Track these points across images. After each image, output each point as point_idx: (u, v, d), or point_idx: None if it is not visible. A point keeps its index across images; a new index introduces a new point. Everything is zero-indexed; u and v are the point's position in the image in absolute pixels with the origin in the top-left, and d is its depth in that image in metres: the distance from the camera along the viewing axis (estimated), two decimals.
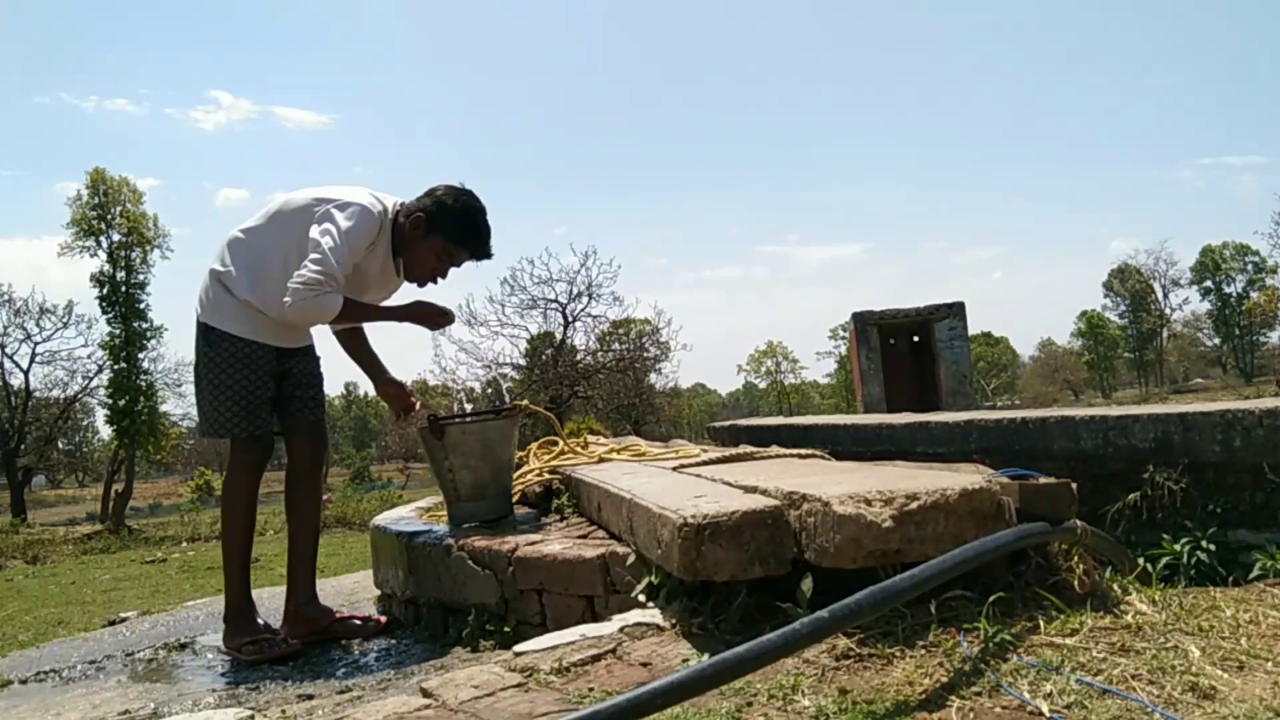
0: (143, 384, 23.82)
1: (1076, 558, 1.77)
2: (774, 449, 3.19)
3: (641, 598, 2.02)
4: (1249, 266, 63.09)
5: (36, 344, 27.07)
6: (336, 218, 2.77)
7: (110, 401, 23.74)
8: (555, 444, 3.77)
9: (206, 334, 2.89)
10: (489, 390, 20.92)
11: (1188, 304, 68.39)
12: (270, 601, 4.58)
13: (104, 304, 23.44)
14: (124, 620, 4.59)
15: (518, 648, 1.85)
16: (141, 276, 23.74)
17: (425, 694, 1.61)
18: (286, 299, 2.70)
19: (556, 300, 20.63)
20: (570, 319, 20.76)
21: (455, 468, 3.07)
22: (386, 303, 3.11)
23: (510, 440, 3.19)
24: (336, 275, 2.71)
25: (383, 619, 3.17)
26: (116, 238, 23.29)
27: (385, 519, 3.81)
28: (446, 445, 3.06)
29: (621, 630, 1.83)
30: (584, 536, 2.66)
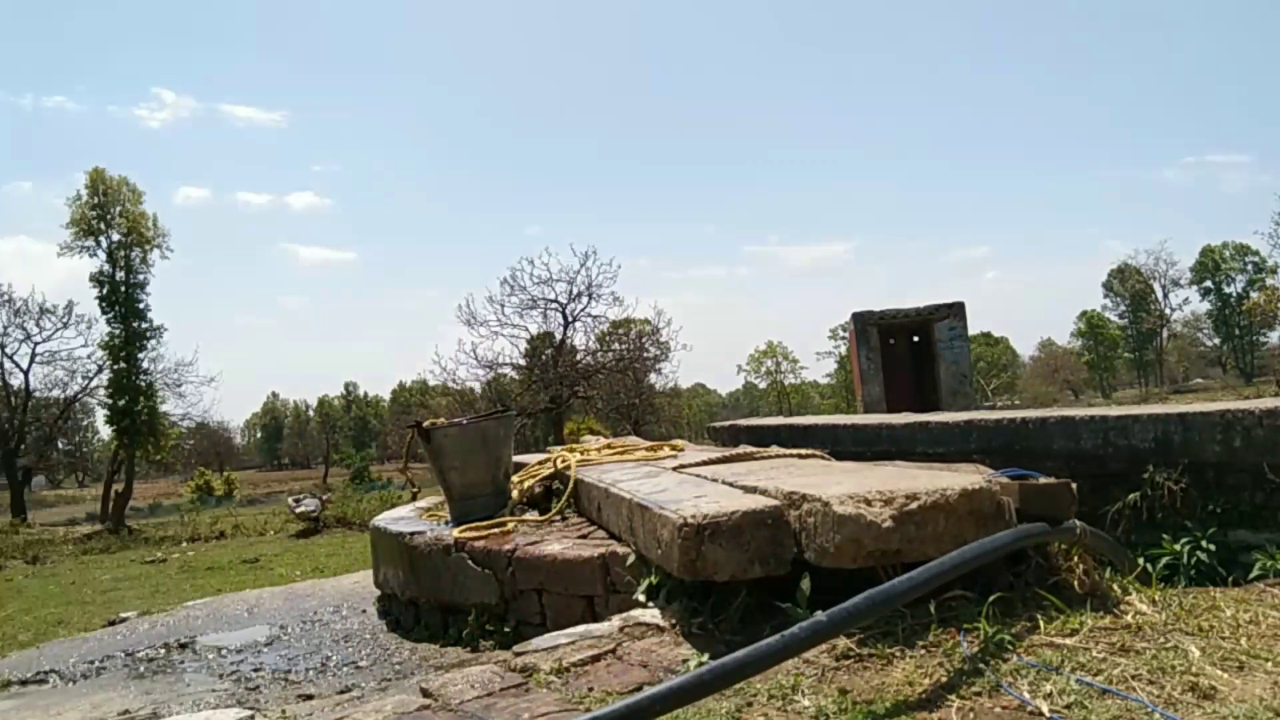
0: (143, 384, 23.78)
1: (1076, 558, 1.77)
2: (774, 449, 3.19)
3: (641, 598, 2.02)
4: (1249, 266, 63.03)
5: (36, 344, 27.07)
6: None
7: (110, 401, 23.72)
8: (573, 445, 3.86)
9: None
10: (490, 389, 20.92)
11: (1187, 304, 68.34)
12: (270, 601, 4.58)
13: (104, 304, 23.41)
14: (124, 620, 4.60)
15: (517, 647, 1.86)
16: (141, 276, 23.72)
17: (425, 694, 1.61)
18: None
19: (556, 300, 20.66)
20: (570, 319, 20.77)
21: (445, 469, 3.18)
22: None
23: (502, 442, 3.21)
24: None
25: None
26: (116, 237, 23.26)
27: (385, 519, 3.82)
28: (434, 449, 3.16)
29: (621, 630, 1.83)
30: (584, 536, 2.66)
